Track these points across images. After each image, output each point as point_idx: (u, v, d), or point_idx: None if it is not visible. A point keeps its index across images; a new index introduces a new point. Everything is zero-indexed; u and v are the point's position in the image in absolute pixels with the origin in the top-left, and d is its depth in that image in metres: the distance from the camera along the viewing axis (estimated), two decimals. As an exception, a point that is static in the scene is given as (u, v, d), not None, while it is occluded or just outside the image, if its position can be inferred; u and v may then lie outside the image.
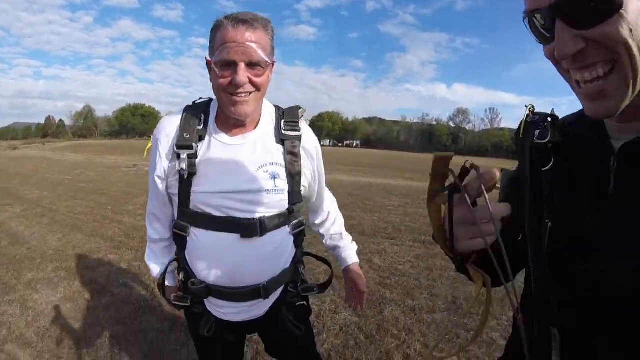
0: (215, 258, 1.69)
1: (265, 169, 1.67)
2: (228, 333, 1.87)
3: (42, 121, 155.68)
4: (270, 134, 1.71)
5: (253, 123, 1.69)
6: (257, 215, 1.66)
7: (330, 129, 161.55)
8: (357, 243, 2.19)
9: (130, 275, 5.33)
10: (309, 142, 1.79)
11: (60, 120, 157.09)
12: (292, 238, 1.84)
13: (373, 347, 3.64)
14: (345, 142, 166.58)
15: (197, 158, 1.62)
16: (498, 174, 0.76)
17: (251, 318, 1.81)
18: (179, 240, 1.75)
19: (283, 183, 1.70)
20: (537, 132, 1.01)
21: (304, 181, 1.78)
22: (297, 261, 1.90)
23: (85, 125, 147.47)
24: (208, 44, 1.59)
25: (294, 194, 1.74)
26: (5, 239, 6.85)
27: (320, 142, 1.86)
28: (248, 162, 1.66)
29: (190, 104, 1.78)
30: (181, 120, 1.68)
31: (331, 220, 2.11)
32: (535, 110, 1.06)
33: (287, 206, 1.73)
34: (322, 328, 3.96)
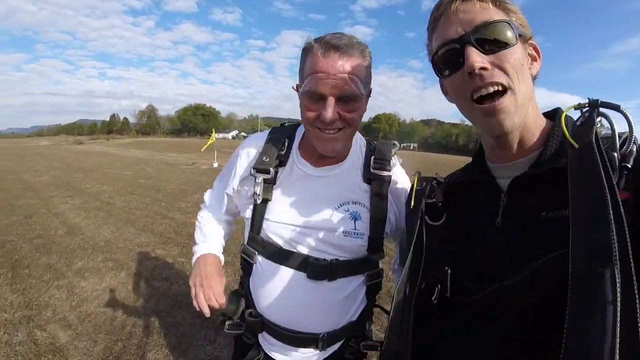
0: (277, 293, 1.53)
1: (347, 208, 1.52)
2: None
3: (107, 118, 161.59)
4: (358, 170, 1.57)
5: (340, 156, 1.56)
6: (328, 257, 1.50)
7: (387, 130, 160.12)
8: (389, 257, 1.99)
9: (173, 270, 5.50)
10: (400, 184, 1.61)
11: (125, 118, 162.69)
12: (364, 288, 1.62)
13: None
14: (402, 145, 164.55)
15: (274, 184, 1.53)
16: None
17: None
18: (246, 266, 1.65)
19: (364, 226, 1.52)
20: (427, 191, 1.22)
21: (388, 227, 1.58)
22: (365, 315, 1.68)
23: (149, 123, 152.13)
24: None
25: (376, 240, 1.55)
26: (62, 229, 7.20)
27: None
28: (329, 197, 1.52)
29: (278, 126, 1.72)
30: (264, 142, 1.59)
31: None
32: (422, 176, 1.31)
33: (365, 253, 1.55)
34: None
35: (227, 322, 1.65)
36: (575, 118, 0.98)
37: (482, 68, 0.91)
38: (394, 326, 1.18)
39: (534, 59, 1.03)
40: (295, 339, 1.56)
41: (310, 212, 1.50)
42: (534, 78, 1.03)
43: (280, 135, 1.61)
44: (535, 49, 1.04)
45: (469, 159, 1.30)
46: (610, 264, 0.69)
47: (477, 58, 0.91)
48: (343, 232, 1.49)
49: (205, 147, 23.13)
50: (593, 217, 0.75)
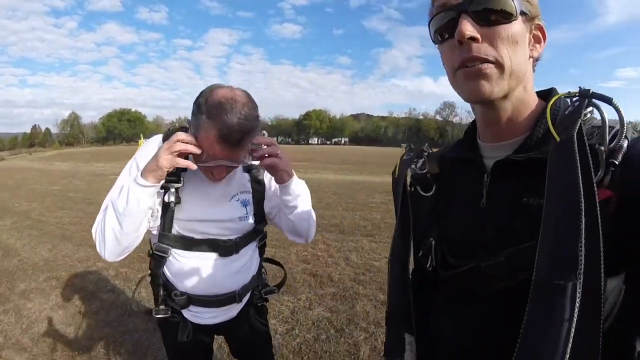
0: (196, 274, 1.86)
1: (237, 198, 1.90)
2: (203, 336, 2.10)
3: (29, 130, 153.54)
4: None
5: None
6: (232, 237, 1.89)
7: (318, 127, 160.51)
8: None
9: (117, 281, 5.57)
10: None
11: (47, 128, 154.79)
12: (257, 250, 2.09)
13: (342, 340, 3.93)
14: (333, 140, 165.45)
15: (180, 188, 1.75)
16: None
17: (224, 320, 2.03)
18: (157, 260, 1.89)
19: (252, 208, 1.93)
20: (417, 163, 1.24)
21: (267, 204, 1.99)
22: (261, 268, 2.17)
23: (72, 133, 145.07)
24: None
25: (260, 214, 1.98)
26: (-3, 252, 7.01)
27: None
28: (223, 192, 1.86)
29: (167, 129, 1.86)
30: None
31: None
32: (412, 147, 1.31)
33: (255, 226, 1.97)
34: (295, 324, 4.26)
35: (154, 309, 1.94)
36: (569, 102, 0.95)
37: (472, 38, 0.88)
38: (395, 288, 1.24)
39: (537, 41, 0.98)
40: (219, 300, 1.95)
41: (212, 207, 1.84)
42: (535, 60, 1.01)
43: None
44: (540, 29, 0.98)
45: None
46: (572, 278, 0.70)
47: (468, 27, 0.88)
48: (238, 217, 1.90)
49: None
50: (564, 221, 0.75)
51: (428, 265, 1.18)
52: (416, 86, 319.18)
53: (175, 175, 1.70)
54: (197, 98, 1.60)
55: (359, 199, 12.64)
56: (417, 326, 1.17)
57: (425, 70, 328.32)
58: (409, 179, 1.28)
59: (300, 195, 1.87)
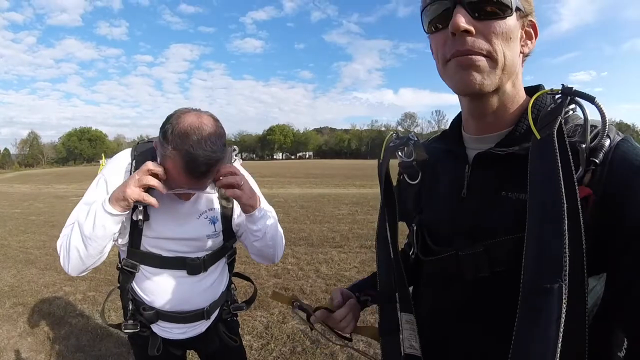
0: (164, 290, 1.88)
1: (206, 215, 1.89)
2: (173, 349, 2.10)
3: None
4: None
5: None
6: (201, 255, 1.90)
7: (282, 142, 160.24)
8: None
9: (86, 305, 5.48)
10: None
11: (5, 149, 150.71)
12: (227, 266, 2.12)
13: (319, 351, 3.99)
14: (298, 154, 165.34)
15: (148, 205, 1.69)
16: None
17: (193, 335, 2.04)
18: (126, 274, 1.91)
19: (220, 225, 1.93)
20: (404, 151, 1.25)
21: (234, 222, 1.98)
22: (230, 284, 2.20)
23: (32, 153, 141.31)
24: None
25: (229, 231, 1.98)
26: (-41, 279, 6.78)
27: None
28: (191, 210, 1.85)
29: (136, 144, 1.89)
30: (132, 166, 1.78)
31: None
32: (400, 135, 1.30)
33: (223, 243, 1.98)
34: (270, 338, 4.28)
35: (123, 324, 1.96)
36: (552, 99, 0.97)
37: (466, 31, 0.88)
38: (384, 270, 1.24)
39: (529, 37, 1.00)
40: (188, 317, 1.96)
41: (180, 225, 1.84)
42: (525, 55, 1.01)
43: (145, 159, 1.73)
44: (533, 26, 0.99)
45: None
46: (558, 280, 0.72)
47: (462, 19, 0.88)
48: (207, 235, 1.90)
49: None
50: (548, 224, 0.77)
51: (411, 253, 1.25)
52: (377, 98, 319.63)
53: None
54: (164, 124, 1.60)
55: (326, 212, 12.71)
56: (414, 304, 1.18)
57: (385, 82, 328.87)
58: (397, 167, 1.32)
59: (266, 225, 1.88)
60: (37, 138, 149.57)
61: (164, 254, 1.85)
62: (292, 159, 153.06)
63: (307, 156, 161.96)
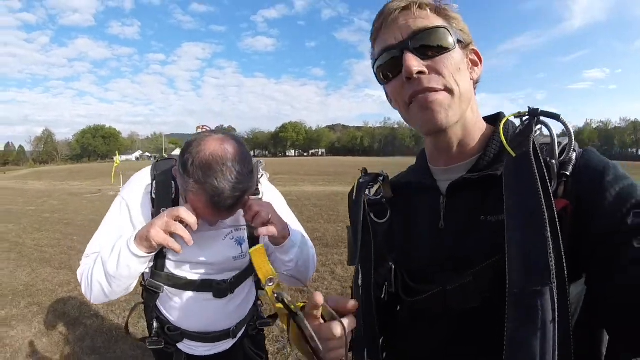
0: (190, 312, 1.83)
1: (232, 236, 1.79)
2: None
3: (2, 148, 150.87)
4: None
5: None
6: (227, 278, 1.82)
7: (295, 139, 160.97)
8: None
9: (101, 306, 5.43)
10: (269, 199, 1.79)
11: (20, 146, 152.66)
12: (254, 284, 2.06)
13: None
14: (310, 152, 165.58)
15: None
16: (320, 300, 0.86)
17: (218, 352, 1.99)
18: (152, 294, 1.83)
19: (246, 247, 1.81)
20: (371, 190, 1.23)
21: (265, 240, 1.74)
22: (256, 300, 2.14)
23: (46, 150, 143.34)
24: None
25: None
26: (-26, 278, 6.82)
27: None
28: (216, 232, 1.75)
29: (155, 161, 1.78)
30: (153, 188, 1.68)
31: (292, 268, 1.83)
32: (368, 172, 1.28)
33: (250, 263, 1.83)
34: (286, 342, 4.22)
35: (147, 340, 1.91)
36: (517, 124, 1.01)
37: (420, 72, 0.93)
38: (359, 314, 1.07)
39: (475, 64, 1.05)
40: (213, 337, 1.92)
41: (204, 249, 1.74)
42: (475, 82, 1.06)
43: (167, 177, 1.68)
44: (476, 54, 1.06)
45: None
46: (548, 283, 0.73)
47: (414, 63, 0.93)
48: (233, 257, 1.81)
49: (113, 174, 22.54)
50: (530, 231, 0.78)
51: (383, 294, 1.18)
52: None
53: None
54: (183, 153, 1.49)
55: (340, 210, 12.59)
56: (383, 349, 1.18)
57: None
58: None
59: (298, 253, 1.75)
60: (51, 135, 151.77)
61: (189, 276, 1.77)
62: (305, 156, 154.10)
63: (320, 153, 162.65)
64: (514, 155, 0.89)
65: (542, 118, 0.93)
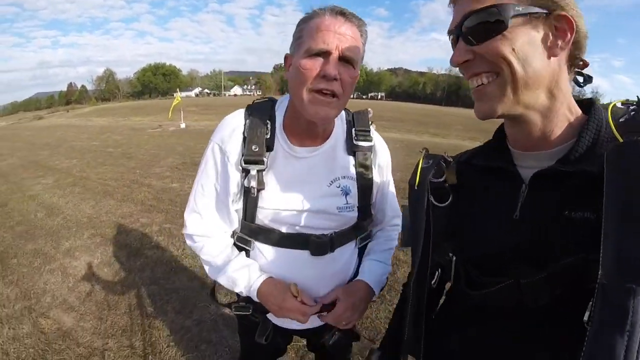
0: (282, 273, 1.59)
1: (338, 184, 1.56)
2: (282, 338, 1.86)
3: (65, 89, 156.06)
4: (342, 143, 1.58)
5: (326, 132, 1.55)
6: (327, 232, 1.57)
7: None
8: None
9: (161, 237, 5.54)
10: (381, 153, 1.67)
11: (82, 86, 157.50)
12: (357, 251, 1.74)
13: (383, 307, 3.82)
14: (370, 94, 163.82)
15: (265, 172, 1.48)
16: None
17: (312, 327, 1.70)
18: (240, 251, 1.64)
19: (354, 199, 1.59)
20: (433, 170, 1.13)
21: (373, 197, 1.67)
22: (357, 272, 1.76)
23: (108, 89, 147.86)
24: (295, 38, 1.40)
25: (365, 208, 1.65)
26: (41, 211, 7.04)
27: None
28: (319, 176, 1.54)
29: (251, 103, 1.60)
30: (245, 127, 1.50)
31: (380, 244, 1.81)
32: (430, 153, 1.21)
33: (356, 221, 1.63)
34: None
35: (234, 305, 1.71)
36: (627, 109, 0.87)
37: (465, 61, 0.91)
38: (396, 313, 1.24)
39: (563, 34, 0.87)
40: None
41: (304, 194, 1.53)
42: (569, 58, 0.91)
43: (261, 117, 1.51)
44: (567, 20, 0.86)
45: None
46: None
47: (457, 52, 0.92)
48: (337, 208, 1.56)
49: (171, 110, 22.78)
50: (632, 224, 0.70)
51: (433, 282, 1.14)
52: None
53: (257, 156, 1.45)
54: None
55: (397, 158, 12.24)
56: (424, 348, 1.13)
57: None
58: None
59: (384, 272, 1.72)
60: (112, 74, 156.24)
61: (284, 229, 1.55)
62: (364, 98, 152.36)
63: (379, 97, 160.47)
64: (621, 140, 0.77)
65: None
